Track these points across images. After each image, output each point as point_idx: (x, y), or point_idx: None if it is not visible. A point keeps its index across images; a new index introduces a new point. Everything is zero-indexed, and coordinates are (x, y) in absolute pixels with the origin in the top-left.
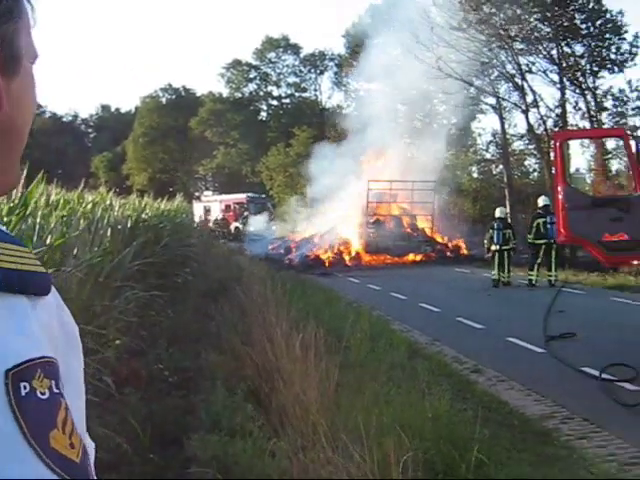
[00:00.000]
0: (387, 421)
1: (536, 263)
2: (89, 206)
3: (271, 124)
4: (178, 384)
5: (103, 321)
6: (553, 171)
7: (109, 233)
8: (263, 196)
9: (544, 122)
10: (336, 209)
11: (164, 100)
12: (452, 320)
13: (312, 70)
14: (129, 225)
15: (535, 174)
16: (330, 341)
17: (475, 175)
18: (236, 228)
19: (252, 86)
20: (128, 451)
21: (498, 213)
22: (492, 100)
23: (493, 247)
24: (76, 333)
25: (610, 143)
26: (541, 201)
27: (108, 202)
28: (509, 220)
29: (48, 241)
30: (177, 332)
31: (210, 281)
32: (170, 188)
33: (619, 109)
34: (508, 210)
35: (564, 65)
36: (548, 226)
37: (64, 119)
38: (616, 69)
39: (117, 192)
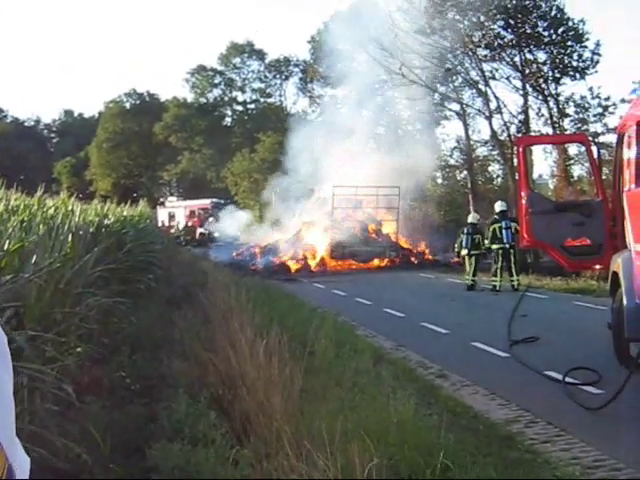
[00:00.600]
0: (352, 427)
1: (497, 268)
2: (50, 211)
3: (236, 129)
4: (140, 392)
5: (64, 328)
6: (517, 177)
7: (70, 239)
8: (228, 202)
9: (507, 128)
10: (302, 215)
11: (128, 105)
12: (417, 325)
13: (277, 76)
14: (91, 231)
15: (499, 180)
16: (294, 347)
17: (440, 181)
18: (201, 234)
19: (217, 91)
20: (88, 461)
21: (470, 219)
22: (456, 106)
23: (463, 252)
24: (4, 342)
25: (572, 149)
26: (498, 206)
27: (70, 207)
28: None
29: (6, 247)
30: (140, 339)
31: (174, 287)
32: (134, 194)
33: (581, 115)
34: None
35: (527, 72)
36: (504, 231)
37: (26, 124)
38: (578, 76)
39: (80, 198)
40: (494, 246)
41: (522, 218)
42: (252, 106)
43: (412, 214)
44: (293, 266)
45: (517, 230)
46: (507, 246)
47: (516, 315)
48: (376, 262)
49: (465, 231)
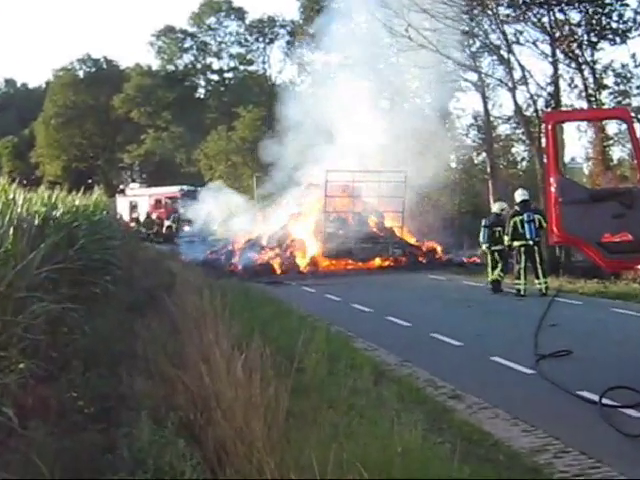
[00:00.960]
0: (348, 457)
1: (520, 269)
2: None
3: (210, 103)
4: (96, 416)
5: (4, 340)
6: (545, 159)
7: (11, 233)
8: (201, 189)
9: (534, 102)
10: (289, 205)
11: (81, 74)
12: (425, 336)
13: (260, 39)
14: (36, 223)
15: (524, 163)
16: (280, 362)
17: (453, 165)
18: (168, 227)
19: (188, 57)
20: None
21: (495, 208)
22: (473, 76)
23: (483, 247)
24: None
25: (611, 127)
26: (518, 195)
27: (10, 196)
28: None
29: None
30: (95, 353)
31: (136, 291)
32: (89, 179)
33: (621, 87)
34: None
35: (557, 35)
36: (526, 225)
37: None
38: (618, 40)
39: (24, 184)
40: (515, 243)
41: (551, 209)
42: (230, 75)
43: (421, 204)
44: (278, 266)
45: (542, 224)
46: (531, 243)
47: (544, 324)
48: (377, 262)
49: (484, 223)
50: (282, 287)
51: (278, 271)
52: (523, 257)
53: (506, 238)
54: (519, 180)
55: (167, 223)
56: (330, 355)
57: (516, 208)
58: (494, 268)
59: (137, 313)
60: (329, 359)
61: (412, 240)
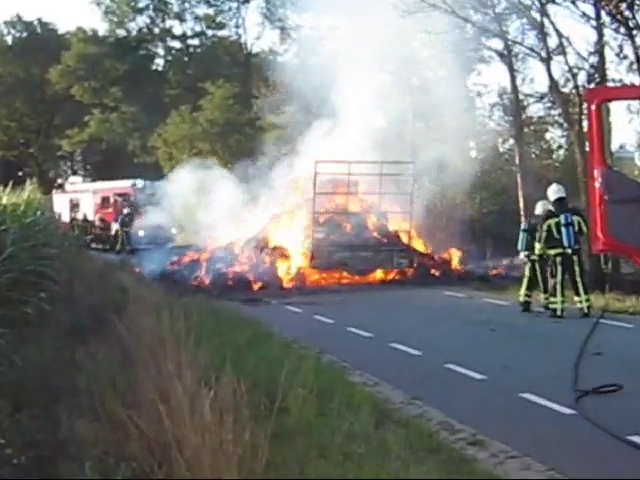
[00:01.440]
0: None
1: (556, 283)
2: None
3: (171, 77)
4: (28, 467)
5: None
6: (587, 148)
7: None
8: (159, 183)
9: (573, 76)
10: (269, 204)
11: (9, 40)
12: (439, 368)
13: None
14: None
15: (561, 152)
16: (258, 400)
17: (473, 154)
18: (118, 232)
19: (142, 20)
20: None
21: (538, 208)
22: (498, 44)
23: (521, 255)
24: None
25: None
26: (552, 192)
27: None
28: None
29: None
30: (27, 388)
31: (78, 311)
32: (19, 172)
33: None
34: (521, 204)
35: None
36: (563, 229)
37: None
38: None
39: None
40: (550, 251)
41: (595, 209)
42: (195, 42)
43: (433, 203)
44: (256, 280)
45: (582, 227)
46: (569, 251)
47: (586, 352)
48: (379, 274)
49: (523, 226)
50: (261, 306)
51: (255, 286)
52: (559, 269)
53: (538, 245)
54: (555, 173)
55: (116, 226)
56: (320, 391)
57: (550, 208)
58: (528, 285)
59: (79, 339)
60: (319, 396)
61: (422, 247)
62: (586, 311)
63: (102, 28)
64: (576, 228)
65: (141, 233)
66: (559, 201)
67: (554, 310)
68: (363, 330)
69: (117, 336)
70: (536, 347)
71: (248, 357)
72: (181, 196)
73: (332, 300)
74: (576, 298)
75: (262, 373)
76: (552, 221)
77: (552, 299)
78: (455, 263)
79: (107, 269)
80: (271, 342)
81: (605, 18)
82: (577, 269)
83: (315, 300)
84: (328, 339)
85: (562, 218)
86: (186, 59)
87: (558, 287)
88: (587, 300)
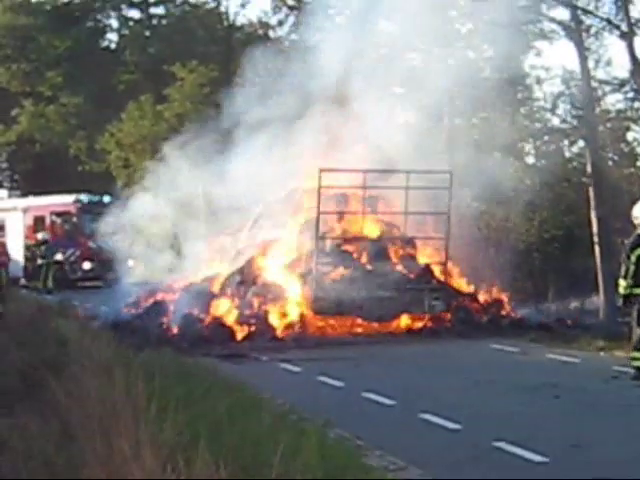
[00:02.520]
0: None
1: None
2: None
3: (127, 57)
4: None
5: None
6: None
7: None
8: (110, 200)
9: None
10: (257, 228)
11: None
12: (485, 446)
13: None
14: None
15: None
16: None
17: (532, 160)
18: (57, 262)
19: None
20: None
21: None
22: (564, 14)
23: (620, 289)
24: None
25: None
26: (638, 210)
27: None
28: None
29: None
30: None
31: (3, 371)
32: None
33: None
34: (595, 227)
35: None
36: None
37: None
38: None
39: None
40: (638, 290)
41: None
42: (160, 11)
43: (477, 226)
44: (240, 328)
45: None
46: None
47: None
48: (405, 321)
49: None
50: (246, 363)
51: (240, 336)
52: None
53: (622, 283)
54: None
55: (57, 255)
56: (327, 478)
57: (639, 233)
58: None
59: (4, 408)
60: None
61: (462, 286)
62: None
63: None
64: None
65: (87, 265)
66: None
67: (638, 370)
68: (384, 396)
69: (54, 404)
70: (615, 420)
71: (230, 433)
72: (141, 216)
73: (342, 356)
74: None
75: (249, 454)
76: None
77: (636, 354)
78: (506, 306)
79: (42, 314)
80: (260, 412)
81: None
82: None
83: (319, 356)
84: (337, 408)
85: None
86: (147, 34)
87: None
88: None
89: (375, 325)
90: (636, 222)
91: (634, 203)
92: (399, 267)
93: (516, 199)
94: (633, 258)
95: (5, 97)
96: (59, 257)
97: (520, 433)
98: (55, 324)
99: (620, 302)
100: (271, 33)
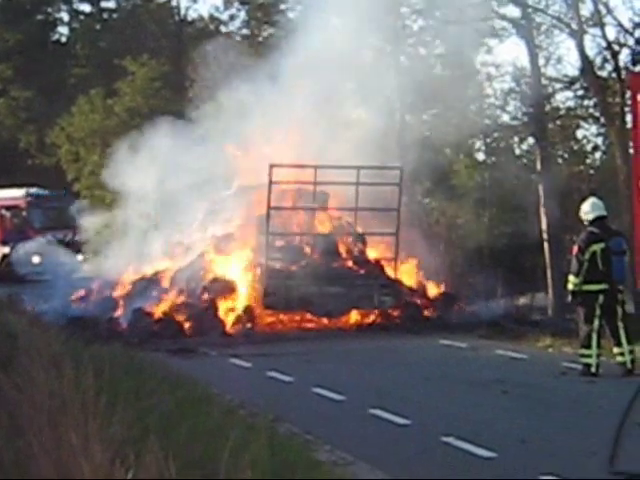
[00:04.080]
0: None
1: (592, 331)
2: None
3: (78, 50)
4: None
5: None
6: (631, 150)
7: None
8: (60, 193)
9: (614, 55)
10: (208, 222)
11: None
12: (435, 441)
13: None
14: None
15: (597, 155)
16: None
17: (481, 157)
18: (5, 257)
19: None
20: None
21: (589, 210)
22: (515, 12)
23: (570, 285)
24: None
25: None
26: (589, 209)
27: None
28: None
29: None
30: None
31: None
32: None
33: None
34: (545, 224)
35: None
36: (614, 259)
37: None
38: None
39: None
40: (590, 287)
41: None
42: (110, 4)
43: (427, 222)
44: (189, 323)
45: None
46: (620, 287)
47: (628, 424)
48: (354, 317)
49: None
50: (196, 358)
51: (189, 331)
52: (598, 311)
53: (572, 279)
54: (589, 183)
55: (3, 250)
56: (275, 472)
57: (592, 230)
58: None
59: None
60: (274, 478)
61: (412, 281)
62: (630, 366)
63: None
64: (627, 257)
65: (36, 259)
66: (600, 220)
67: (587, 366)
68: (333, 391)
69: (2, 398)
70: (563, 415)
71: (179, 427)
72: (91, 210)
73: (292, 351)
74: (616, 349)
75: (198, 449)
76: (597, 247)
77: (584, 351)
78: (456, 302)
79: None
80: (210, 407)
81: None
82: (620, 310)
83: (269, 351)
84: (286, 403)
85: (612, 244)
86: (98, 27)
87: (594, 335)
88: (631, 352)
89: (325, 320)
90: (585, 219)
91: (583, 200)
92: (349, 263)
93: (466, 196)
94: (587, 255)
95: None
96: (7, 251)
97: (468, 428)
98: (4, 318)
99: (569, 298)
100: (222, 28)
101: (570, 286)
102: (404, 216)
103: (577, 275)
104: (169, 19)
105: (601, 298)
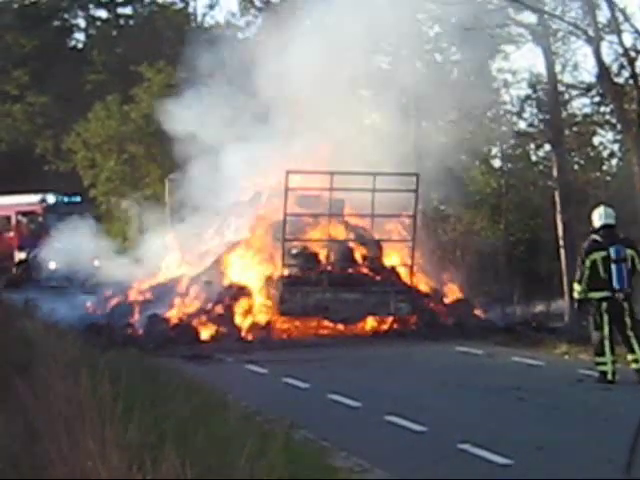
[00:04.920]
0: None
1: (604, 338)
2: None
3: (95, 57)
4: None
5: None
6: None
7: None
8: (77, 199)
9: (631, 62)
10: (224, 228)
11: None
12: (451, 449)
13: None
14: None
15: (613, 162)
16: None
17: (497, 163)
18: (21, 263)
19: None
20: None
21: (600, 218)
22: (531, 18)
23: (575, 293)
24: None
25: None
26: (599, 217)
27: None
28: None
29: None
30: None
31: None
32: None
33: None
34: (561, 231)
35: None
36: (613, 267)
37: None
38: None
39: None
40: (594, 294)
41: None
42: (127, 11)
43: (443, 229)
44: (205, 329)
45: (634, 264)
46: (621, 295)
47: None
48: (370, 323)
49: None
50: (212, 365)
51: (205, 337)
52: (606, 318)
53: (577, 287)
54: (605, 190)
55: (20, 256)
56: (293, 479)
57: (595, 238)
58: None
59: None
60: None
61: (428, 288)
62: None
63: None
64: (629, 265)
65: (53, 265)
66: (606, 229)
67: (603, 373)
68: (349, 398)
69: (20, 404)
70: (579, 422)
71: (195, 434)
72: (107, 217)
73: (308, 357)
74: (630, 357)
75: (214, 455)
76: (598, 255)
77: (598, 359)
78: (472, 309)
79: (6, 315)
80: (226, 414)
81: None
82: (628, 320)
83: (285, 357)
84: (302, 410)
85: (612, 251)
86: (114, 34)
87: (606, 342)
88: None
89: (341, 327)
90: (593, 227)
91: (594, 208)
92: (364, 270)
93: (482, 203)
94: (588, 263)
95: None
96: (24, 257)
97: (485, 435)
98: (20, 324)
99: (576, 306)
100: (239, 34)
101: (575, 294)
102: (420, 223)
103: (580, 283)
104: (185, 25)
105: (605, 305)
